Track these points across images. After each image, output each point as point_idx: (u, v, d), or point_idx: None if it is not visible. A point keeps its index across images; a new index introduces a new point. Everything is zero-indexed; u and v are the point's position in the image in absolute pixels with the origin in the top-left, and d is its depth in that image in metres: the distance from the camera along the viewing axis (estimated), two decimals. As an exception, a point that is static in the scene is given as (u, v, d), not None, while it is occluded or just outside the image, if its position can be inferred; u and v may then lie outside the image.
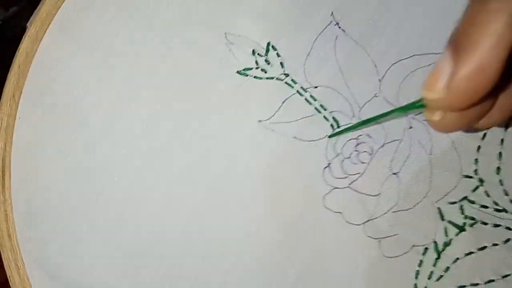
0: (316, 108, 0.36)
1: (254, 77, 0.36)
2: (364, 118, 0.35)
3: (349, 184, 0.35)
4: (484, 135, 0.35)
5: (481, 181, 0.34)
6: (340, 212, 0.35)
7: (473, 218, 0.34)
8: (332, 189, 0.35)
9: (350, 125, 0.35)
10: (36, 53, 0.38)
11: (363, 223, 0.35)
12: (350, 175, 0.35)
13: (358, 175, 0.35)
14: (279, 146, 0.36)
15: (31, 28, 0.38)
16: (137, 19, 0.38)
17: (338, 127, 0.35)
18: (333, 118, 0.35)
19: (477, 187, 0.34)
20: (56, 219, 0.37)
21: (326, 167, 0.35)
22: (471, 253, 0.34)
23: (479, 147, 0.35)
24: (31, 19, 0.38)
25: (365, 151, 0.35)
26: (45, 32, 0.38)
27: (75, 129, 0.37)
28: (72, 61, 0.38)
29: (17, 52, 0.38)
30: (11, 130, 0.37)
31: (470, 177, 0.34)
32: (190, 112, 0.37)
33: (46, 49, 0.38)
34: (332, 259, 0.35)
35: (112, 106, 0.37)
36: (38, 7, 0.38)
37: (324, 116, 0.36)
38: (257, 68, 0.37)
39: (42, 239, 0.36)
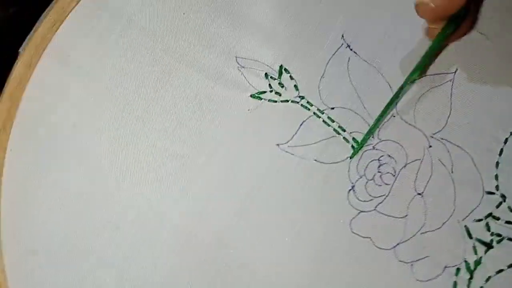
0: (335, 130, 0.35)
1: (269, 100, 0.35)
2: (383, 138, 0.35)
3: (375, 207, 0.34)
4: (501, 151, 0.35)
5: (503, 196, 0.34)
6: (369, 237, 0.33)
7: (499, 235, 0.33)
8: (359, 212, 0.34)
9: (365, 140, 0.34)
10: (29, 80, 0.35)
11: (394, 247, 0.33)
12: (375, 197, 0.34)
13: (383, 197, 0.34)
14: (300, 170, 0.34)
15: (23, 54, 0.35)
16: (140, 46, 0.36)
17: (360, 147, 0.34)
18: (353, 139, 0.34)
19: (500, 203, 0.34)
20: (52, 256, 0.33)
21: (350, 190, 0.34)
22: (501, 270, 0.33)
23: (497, 163, 0.35)
24: (24, 43, 0.35)
25: (388, 172, 0.34)
26: (39, 57, 0.35)
27: (72, 162, 0.34)
28: (68, 90, 0.35)
29: (8, 78, 0.34)
30: (1, 163, 0.33)
31: (493, 193, 0.34)
32: (203, 139, 0.34)
33: (41, 76, 0.35)
34: (364, 287, 0.33)
35: (114, 136, 0.35)
36: (33, 30, 0.35)
37: (344, 138, 0.34)
38: (271, 91, 0.35)
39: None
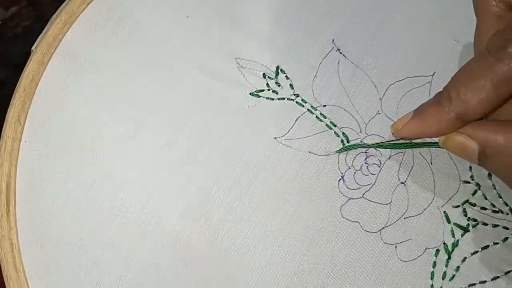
0: (327, 125, 0.38)
1: (266, 98, 0.38)
2: (369, 133, 0.38)
3: (363, 195, 0.37)
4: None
5: (478, 185, 0.38)
6: (358, 222, 0.36)
7: (475, 220, 0.37)
8: (348, 199, 0.37)
9: (355, 143, 0.37)
10: (42, 76, 0.37)
11: (379, 230, 0.36)
12: (363, 185, 0.37)
13: (370, 185, 0.37)
14: (295, 160, 0.37)
15: (37, 51, 0.37)
16: (148, 44, 0.38)
17: (348, 142, 0.37)
18: (343, 133, 0.38)
19: (475, 191, 0.37)
20: (66, 248, 0.34)
21: (340, 179, 0.37)
22: (476, 252, 0.36)
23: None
24: (37, 42, 0.37)
25: (374, 163, 0.37)
26: (51, 55, 0.37)
27: (84, 154, 0.36)
28: (79, 85, 0.37)
29: (22, 74, 0.36)
30: (16, 154, 0.35)
31: (469, 182, 0.38)
32: (205, 134, 0.37)
33: (53, 72, 0.37)
34: (353, 266, 0.36)
35: (123, 131, 0.37)
36: (45, 30, 0.37)
37: (335, 132, 0.38)
38: (268, 89, 0.38)
39: (49, 270, 0.34)
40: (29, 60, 0.37)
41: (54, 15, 0.38)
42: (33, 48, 0.37)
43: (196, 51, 0.38)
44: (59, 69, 0.37)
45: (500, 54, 0.27)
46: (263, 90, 0.38)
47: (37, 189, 0.35)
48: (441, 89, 0.29)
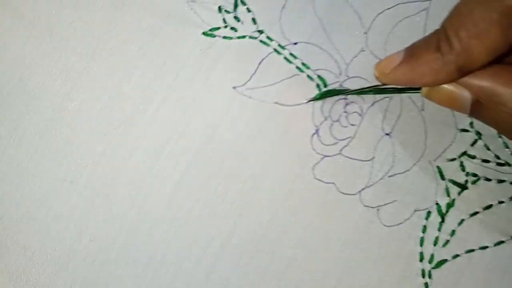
0: (297, 67, 0.31)
1: (223, 37, 0.31)
2: (351, 75, 0.31)
3: (340, 151, 0.31)
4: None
5: (479, 134, 0.31)
6: (333, 183, 0.31)
7: (475, 175, 0.31)
8: (322, 157, 0.31)
9: (332, 88, 0.31)
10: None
11: (359, 191, 0.31)
12: (341, 140, 0.31)
13: (349, 139, 0.31)
14: (258, 114, 0.31)
15: None
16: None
17: (325, 86, 0.31)
18: (319, 76, 0.31)
19: (475, 141, 0.31)
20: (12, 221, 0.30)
21: (314, 134, 0.31)
22: (476, 213, 0.31)
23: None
24: None
25: (355, 112, 0.31)
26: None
27: (19, 121, 0.31)
28: (11, 41, 0.31)
29: None
30: None
31: (467, 130, 0.31)
32: (151, 87, 0.31)
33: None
34: (327, 234, 0.31)
35: (59, 89, 0.31)
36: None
37: (308, 75, 0.31)
38: (225, 27, 0.31)
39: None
40: None
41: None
42: None
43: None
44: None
45: None
46: (218, 28, 0.31)
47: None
48: (440, 19, 0.24)
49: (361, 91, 0.30)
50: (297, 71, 0.31)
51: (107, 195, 0.31)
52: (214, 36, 0.31)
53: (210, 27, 0.31)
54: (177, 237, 0.31)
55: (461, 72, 0.24)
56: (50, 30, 0.31)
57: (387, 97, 0.31)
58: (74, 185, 0.31)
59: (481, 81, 0.24)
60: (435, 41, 0.25)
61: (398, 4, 0.32)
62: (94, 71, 0.31)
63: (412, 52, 0.26)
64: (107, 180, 0.31)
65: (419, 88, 0.26)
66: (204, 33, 0.31)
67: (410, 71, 0.25)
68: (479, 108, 0.24)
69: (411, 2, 0.32)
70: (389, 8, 0.32)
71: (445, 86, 0.25)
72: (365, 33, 0.31)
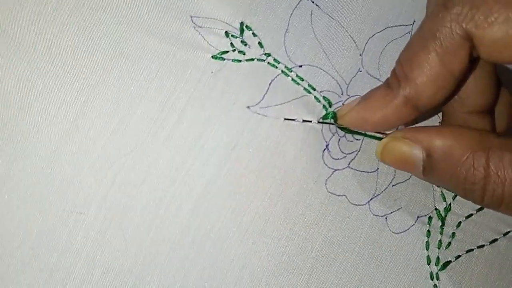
0: (305, 89, 0.32)
1: (233, 60, 0.31)
2: (351, 94, 0.33)
3: (348, 164, 0.32)
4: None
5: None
6: (345, 195, 0.32)
7: (466, 180, 0.33)
8: (333, 171, 0.32)
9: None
10: None
11: (368, 202, 0.32)
12: (348, 154, 0.32)
13: (356, 152, 0.32)
14: (273, 132, 0.31)
15: None
16: (84, 10, 0.30)
17: (330, 106, 0.32)
18: (324, 98, 0.32)
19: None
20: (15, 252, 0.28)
21: (324, 149, 0.32)
22: (471, 215, 0.33)
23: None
24: None
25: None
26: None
27: (20, 150, 0.29)
28: (9, 69, 0.29)
29: None
30: None
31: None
32: (165, 110, 0.30)
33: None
34: (344, 246, 0.31)
35: (64, 116, 0.29)
36: None
37: (315, 97, 0.32)
38: (233, 50, 0.32)
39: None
40: None
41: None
42: None
43: (142, 13, 0.31)
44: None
45: (439, 16, 0.23)
46: (227, 52, 0.31)
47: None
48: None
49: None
50: (305, 92, 0.32)
51: (119, 225, 0.29)
52: (223, 59, 0.31)
53: (218, 51, 0.31)
54: (196, 263, 0.29)
55: (412, 107, 0.25)
56: (50, 56, 0.30)
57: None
58: (84, 216, 0.29)
59: (433, 136, 0.24)
60: (386, 80, 0.26)
61: (386, 28, 0.34)
62: (100, 98, 0.30)
63: (366, 95, 0.27)
64: (119, 209, 0.29)
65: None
66: (213, 57, 0.31)
67: (362, 110, 0.26)
68: (431, 165, 0.25)
69: (397, 26, 0.34)
70: (379, 32, 0.34)
71: (396, 143, 0.26)
72: (360, 54, 0.33)
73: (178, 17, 0.31)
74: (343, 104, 0.32)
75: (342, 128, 0.31)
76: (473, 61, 0.25)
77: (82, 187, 0.29)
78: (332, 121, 0.31)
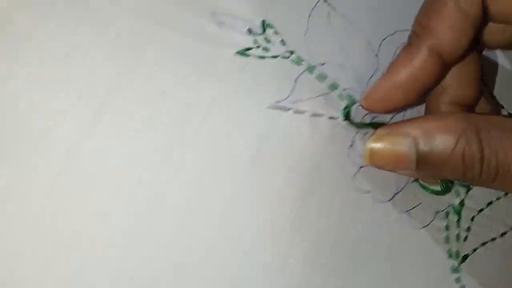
0: (329, 86, 0.32)
1: (258, 57, 0.31)
2: (370, 93, 0.33)
3: (372, 161, 0.32)
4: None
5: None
6: (370, 192, 0.31)
7: (476, 176, 0.34)
8: (360, 168, 0.31)
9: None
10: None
11: (391, 198, 0.32)
12: (371, 151, 0.32)
13: (378, 150, 0.32)
14: (304, 126, 0.30)
15: None
16: (103, 5, 0.28)
17: (354, 104, 0.32)
18: (347, 95, 0.32)
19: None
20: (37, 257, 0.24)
21: (350, 146, 0.31)
22: (482, 209, 0.34)
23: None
24: None
25: (381, 122, 0.33)
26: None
27: (36, 150, 0.26)
28: (15, 65, 0.26)
29: None
30: None
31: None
32: (192, 106, 0.29)
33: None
34: (373, 244, 0.31)
35: (81, 119, 0.27)
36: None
37: (339, 94, 0.32)
38: (257, 47, 0.31)
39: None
40: None
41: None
42: None
43: (163, 7, 0.29)
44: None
45: None
46: (251, 48, 0.30)
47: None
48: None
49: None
50: (329, 90, 0.31)
51: (147, 227, 0.27)
52: (248, 55, 0.30)
53: (242, 47, 0.30)
54: (229, 269, 0.27)
55: (438, 56, 0.25)
56: (67, 51, 0.27)
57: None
58: (107, 219, 0.26)
59: (421, 124, 0.24)
60: (406, 42, 0.26)
61: (396, 31, 0.35)
62: (122, 94, 0.28)
63: (389, 65, 0.27)
64: (146, 210, 0.27)
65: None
66: (238, 52, 0.30)
67: (388, 77, 0.26)
68: (424, 156, 0.24)
69: (406, 30, 0.35)
70: (391, 35, 0.34)
71: (385, 142, 0.25)
72: (376, 55, 0.34)
73: (200, 13, 0.30)
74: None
75: (360, 125, 0.31)
76: (485, 11, 0.25)
77: (106, 188, 0.26)
78: (355, 116, 0.31)
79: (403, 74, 0.25)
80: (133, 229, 0.26)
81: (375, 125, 0.31)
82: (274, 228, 0.28)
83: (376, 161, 0.26)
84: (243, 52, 0.30)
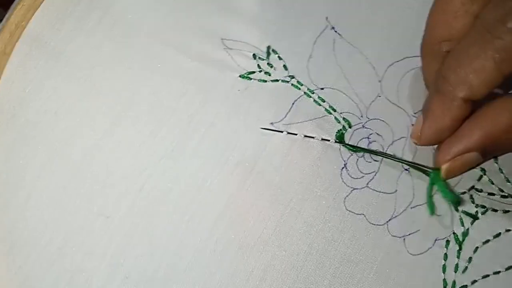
0: (326, 109, 0.33)
1: (259, 80, 0.33)
2: (371, 117, 0.34)
3: (367, 184, 0.32)
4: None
5: (483, 170, 0.34)
6: (363, 214, 0.32)
7: (483, 206, 0.33)
8: (352, 190, 0.32)
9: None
10: (5, 67, 0.31)
11: (386, 222, 0.32)
12: (366, 174, 0.32)
13: (374, 173, 0.33)
14: (295, 147, 0.32)
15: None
16: (122, 28, 0.32)
17: (350, 127, 0.33)
18: (344, 119, 0.33)
19: (481, 176, 0.34)
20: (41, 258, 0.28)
21: (343, 168, 0.32)
22: (488, 241, 0.33)
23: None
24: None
25: (376, 149, 0.33)
26: (14, 44, 0.31)
27: (56, 152, 0.30)
28: (48, 78, 0.31)
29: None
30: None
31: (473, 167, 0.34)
32: (194, 122, 0.32)
33: (17, 63, 0.31)
34: (361, 265, 0.31)
35: (100, 126, 0.31)
36: (5, 18, 0.31)
37: (335, 117, 0.33)
38: (260, 71, 0.33)
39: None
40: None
41: (14, 2, 0.32)
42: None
43: (176, 32, 0.33)
44: (24, 59, 0.31)
45: (499, 30, 0.25)
46: (254, 72, 0.33)
47: (5, 193, 0.29)
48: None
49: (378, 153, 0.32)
50: (326, 113, 0.33)
51: (145, 230, 0.30)
52: (250, 79, 0.33)
53: (245, 71, 0.33)
54: (216, 272, 0.30)
55: (470, 103, 0.26)
56: (88, 68, 0.32)
57: (404, 137, 0.33)
58: (110, 220, 0.30)
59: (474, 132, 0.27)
60: (435, 89, 0.27)
61: (405, 58, 0.35)
62: (134, 109, 0.31)
63: (425, 108, 0.28)
64: (145, 215, 0.30)
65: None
66: (241, 76, 0.33)
67: (433, 124, 0.27)
68: (488, 147, 0.26)
69: (415, 56, 0.35)
70: (398, 61, 0.35)
71: (451, 166, 0.27)
72: (379, 81, 0.34)
73: (209, 39, 0.33)
74: (362, 125, 0.33)
75: (351, 148, 0.32)
76: None
77: (111, 192, 0.30)
78: (350, 139, 0.32)
79: (445, 121, 0.27)
80: (132, 232, 0.30)
81: (368, 150, 0.32)
82: (261, 240, 0.30)
83: (449, 170, 0.28)
84: (246, 76, 0.33)
